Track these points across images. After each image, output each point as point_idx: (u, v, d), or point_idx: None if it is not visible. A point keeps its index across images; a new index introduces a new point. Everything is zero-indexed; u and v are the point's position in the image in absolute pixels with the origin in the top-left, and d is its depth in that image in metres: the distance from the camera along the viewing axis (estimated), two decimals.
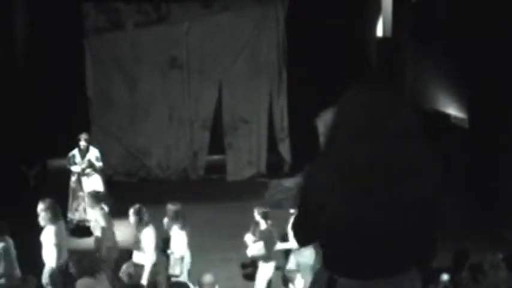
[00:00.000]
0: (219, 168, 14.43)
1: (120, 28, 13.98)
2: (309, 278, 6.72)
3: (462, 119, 12.08)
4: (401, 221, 2.25)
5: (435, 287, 7.00)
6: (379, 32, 15.02)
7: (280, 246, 8.01)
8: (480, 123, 11.30)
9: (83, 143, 10.55)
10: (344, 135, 2.25)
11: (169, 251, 8.09)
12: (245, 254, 8.35)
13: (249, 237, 8.12)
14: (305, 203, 2.34)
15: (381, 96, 2.26)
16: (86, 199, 9.19)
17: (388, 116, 2.22)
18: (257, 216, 8.08)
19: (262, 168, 14.46)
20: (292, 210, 7.86)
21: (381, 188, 2.22)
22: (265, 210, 8.12)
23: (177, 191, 13.24)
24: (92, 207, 8.70)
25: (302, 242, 2.53)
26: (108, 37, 13.96)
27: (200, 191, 13.16)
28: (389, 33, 14.52)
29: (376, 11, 14.94)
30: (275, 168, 14.39)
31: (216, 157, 14.74)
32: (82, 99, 13.87)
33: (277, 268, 8.35)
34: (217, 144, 14.53)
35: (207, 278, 6.68)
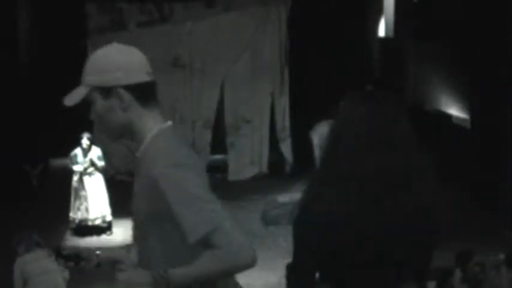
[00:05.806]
0: (220, 168, 14.41)
1: (123, 28, 13.98)
2: None
3: (464, 120, 12.07)
4: (406, 230, 2.30)
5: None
6: (381, 32, 15.02)
7: None
8: (482, 123, 11.29)
9: (85, 142, 10.49)
10: (346, 146, 2.31)
11: None
12: None
13: None
14: (306, 221, 2.37)
15: (380, 108, 2.33)
16: None
17: (387, 128, 2.29)
18: None
19: (264, 168, 14.45)
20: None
21: (385, 197, 2.27)
22: None
23: None
24: None
25: (303, 275, 2.53)
26: (111, 37, 13.91)
27: None
28: (391, 33, 14.53)
29: (378, 11, 14.95)
30: (277, 168, 14.39)
31: (217, 157, 14.73)
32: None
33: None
34: (219, 143, 14.52)
35: None
